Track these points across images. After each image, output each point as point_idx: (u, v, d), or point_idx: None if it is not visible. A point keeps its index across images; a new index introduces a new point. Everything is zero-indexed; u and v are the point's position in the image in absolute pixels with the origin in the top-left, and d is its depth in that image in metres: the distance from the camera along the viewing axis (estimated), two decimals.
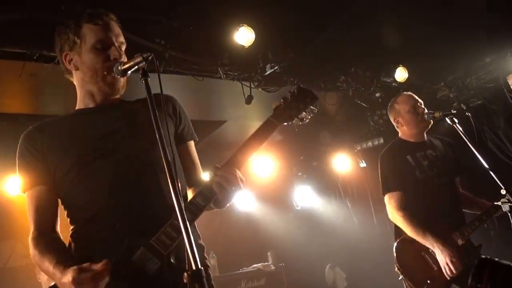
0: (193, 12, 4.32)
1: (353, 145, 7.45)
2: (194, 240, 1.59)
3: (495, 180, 3.41)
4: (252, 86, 5.12)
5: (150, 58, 1.97)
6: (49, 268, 2.03)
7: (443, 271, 3.58)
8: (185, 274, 1.52)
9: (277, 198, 7.45)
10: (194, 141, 2.51)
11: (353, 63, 5.71)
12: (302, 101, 2.32)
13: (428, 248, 3.68)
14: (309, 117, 2.37)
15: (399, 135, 4.21)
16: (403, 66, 5.73)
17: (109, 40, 2.25)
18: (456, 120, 3.66)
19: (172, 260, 1.99)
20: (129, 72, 2.12)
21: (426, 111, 3.96)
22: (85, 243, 2.16)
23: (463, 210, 3.98)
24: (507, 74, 5.69)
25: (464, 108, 5.78)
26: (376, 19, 5.02)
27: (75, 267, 1.91)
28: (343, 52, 5.45)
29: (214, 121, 6.50)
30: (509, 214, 3.43)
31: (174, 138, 2.37)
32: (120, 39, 2.32)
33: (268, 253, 6.84)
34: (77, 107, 2.38)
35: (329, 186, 7.71)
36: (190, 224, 1.81)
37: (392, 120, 4.23)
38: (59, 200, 2.27)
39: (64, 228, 2.24)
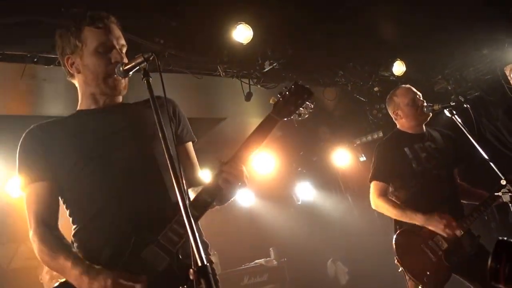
0: (192, 11, 4.36)
1: (352, 140, 7.47)
2: (199, 237, 1.60)
3: (494, 170, 3.44)
4: (251, 83, 5.15)
5: (151, 58, 1.99)
6: (65, 264, 2.03)
7: (446, 237, 3.62)
8: (191, 270, 1.55)
9: (278, 194, 7.48)
10: (193, 142, 2.54)
11: (351, 58, 5.73)
12: (300, 97, 2.38)
13: (426, 240, 3.71)
14: (307, 112, 2.42)
15: (398, 127, 4.23)
16: (401, 59, 5.74)
17: (110, 43, 2.26)
18: (454, 112, 3.68)
19: (180, 256, 2.02)
20: (131, 72, 2.15)
21: (425, 103, 3.98)
22: (89, 242, 2.17)
23: (463, 201, 4.01)
24: (505, 65, 5.70)
25: (463, 100, 5.81)
26: (373, 12, 5.04)
27: (115, 272, 1.94)
28: (341, 47, 5.47)
29: (214, 118, 6.53)
30: (509, 204, 3.46)
31: (176, 139, 2.39)
32: (121, 42, 2.34)
33: (270, 249, 6.90)
34: (78, 108, 2.40)
35: (329, 180, 7.74)
36: (196, 221, 1.84)
37: (391, 113, 4.25)
38: (62, 200, 2.27)
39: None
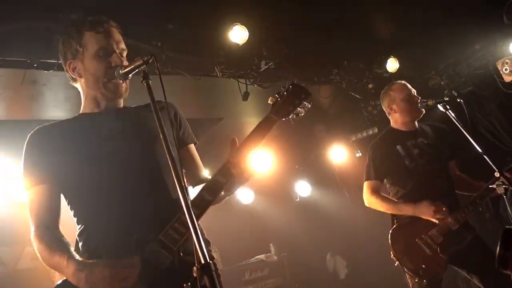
0: (188, 14, 4.39)
1: (348, 136, 7.53)
2: (201, 235, 1.64)
3: (488, 164, 3.46)
4: (248, 83, 5.19)
5: (150, 60, 2.04)
6: (60, 262, 2.06)
7: (437, 223, 3.69)
8: (195, 268, 1.57)
9: (277, 191, 7.53)
10: (195, 144, 2.59)
11: (346, 56, 5.77)
12: (297, 97, 2.40)
13: (421, 234, 3.76)
14: (303, 111, 2.45)
15: (391, 123, 4.27)
16: (394, 56, 5.80)
17: (110, 47, 2.31)
18: (448, 107, 3.70)
19: (181, 254, 2.05)
20: (130, 75, 2.20)
21: (419, 99, 4.02)
22: (93, 241, 2.21)
23: (462, 193, 4.05)
24: (497, 60, 5.74)
25: (456, 95, 5.84)
26: (366, 10, 5.08)
27: (110, 261, 1.99)
28: (335, 46, 5.50)
29: (211, 118, 6.57)
30: (504, 196, 3.51)
31: (178, 142, 2.43)
32: (121, 46, 2.38)
33: (270, 245, 7.00)
34: (81, 112, 2.45)
35: (326, 177, 7.79)
36: (197, 219, 1.90)
37: (385, 107, 4.27)
38: (66, 201, 2.32)
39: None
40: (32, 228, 2.22)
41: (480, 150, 3.49)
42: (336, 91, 6.40)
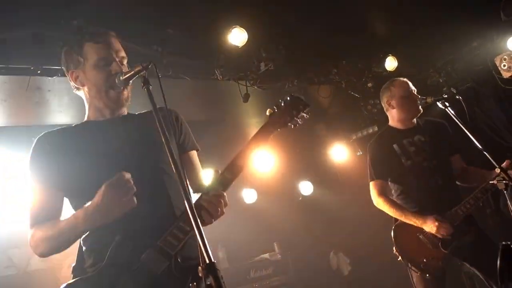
0: (186, 18, 4.42)
1: (348, 135, 7.57)
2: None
3: (488, 160, 3.48)
4: (248, 84, 5.23)
5: (149, 66, 2.09)
6: (70, 222, 2.19)
7: (440, 237, 3.72)
8: (199, 268, 1.60)
9: (279, 191, 7.54)
10: (196, 150, 2.63)
11: (344, 55, 5.80)
12: (295, 108, 2.47)
13: (422, 229, 3.81)
14: (301, 122, 2.51)
15: (389, 122, 4.30)
16: (393, 55, 5.83)
17: (110, 57, 2.37)
18: (447, 104, 3.71)
19: (179, 260, 2.10)
20: (131, 81, 2.26)
21: (419, 98, 4.04)
22: (96, 246, 2.25)
23: (472, 185, 4.06)
24: (495, 56, 5.75)
25: (455, 92, 5.86)
26: (364, 9, 5.11)
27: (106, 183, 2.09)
28: (333, 46, 5.53)
29: (212, 120, 6.59)
30: (505, 191, 3.51)
31: (178, 147, 2.49)
32: (121, 54, 2.44)
33: (274, 243, 7.06)
34: (86, 119, 2.51)
35: (328, 175, 7.81)
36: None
37: (384, 103, 4.30)
38: (72, 206, 2.36)
39: None
40: (29, 229, 2.29)
41: (480, 147, 3.51)
42: (335, 90, 6.44)
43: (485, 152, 3.49)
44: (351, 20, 5.15)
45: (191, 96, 5.49)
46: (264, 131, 2.41)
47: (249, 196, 7.31)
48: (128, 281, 2.07)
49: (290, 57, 5.25)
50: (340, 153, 7.48)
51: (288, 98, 2.48)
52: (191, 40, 4.59)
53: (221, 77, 4.94)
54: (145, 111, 2.51)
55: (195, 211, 1.73)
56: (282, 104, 2.47)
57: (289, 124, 2.46)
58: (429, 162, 3.99)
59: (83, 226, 2.17)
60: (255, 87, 5.31)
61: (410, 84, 4.21)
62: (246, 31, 4.65)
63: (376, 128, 6.88)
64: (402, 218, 3.91)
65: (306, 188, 7.76)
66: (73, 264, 2.32)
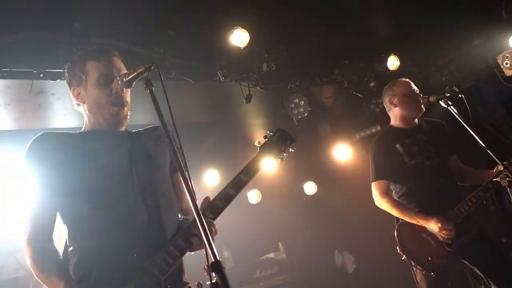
0: (188, 20, 4.43)
1: (351, 135, 7.58)
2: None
3: (489, 158, 3.51)
4: (250, 85, 5.23)
5: (152, 68, 2.12)
6: (59, 286, 2.16)
7: (442, 239, 3.73)
8: (205, 266, 1.63)
9: (284, 191, 7.57)
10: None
11: (346, 55, 5.80)
12: (283, 143, 2.61)
13: (426, 228, 3.81)
14: (286, 156, 2.64)
15: (391, 121, 4.31)
16: (395, 54, 5.82)
17: (111, 75, 2.40)
18: (450, 103, 3.74)
19: (168, 286, 2.13)
20: (133, 83, 2.27)
21: (421, 97, 4.05)
22: (82, 263, 2.23)
23: (469, 184, 4.08)
24: (497, 54, 5.75)
25: (457, 90, 5.86)
26: (365, 9, 5.11)
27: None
28: (335, 46, 5.53)
29: (215, 121, 6.60)
30: (508, 188, 3.54)
31: (170, 167, 2.53)
32: (123, 73, 2.42)
33: (279, 243, 7.10)
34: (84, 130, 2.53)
35: (332, 175, 7.82)
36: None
37: (386, 102, 4.31)
38: (62, 220, 2.35)
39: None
40: (25, 236, 2.28)
41: (483, 145, 3.52)
42: (338, 90, 6.44)
43: (488, 151, 3.49)
44: (353, 20, 5.15)
45: (194, 98, 5.49)
46: (255, 163, 2.51)
47: (253, 196, 7.33)
48: None
49: (292, 58, 5.26)
50: (343, 152, 7.49)
51: (278, 133, 2.61)
52: (193, 41, 4.60)
53: (223, 78, 4.95)
54: (141, 129, 2.59)
55: (200, 211, 1.78)
56: (272, 137, 2.58)
57: (279, 157, 2.59)
58: (431, 161, 3.99)
59: None
60: (258, 88, 5.31)
61: (412, 84, 4.22)
62: (248, 32, 4.66)
63: (379, 128, 6.88)
64: (406, 218, 3.91)
65: (310, 187, 7.78)
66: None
